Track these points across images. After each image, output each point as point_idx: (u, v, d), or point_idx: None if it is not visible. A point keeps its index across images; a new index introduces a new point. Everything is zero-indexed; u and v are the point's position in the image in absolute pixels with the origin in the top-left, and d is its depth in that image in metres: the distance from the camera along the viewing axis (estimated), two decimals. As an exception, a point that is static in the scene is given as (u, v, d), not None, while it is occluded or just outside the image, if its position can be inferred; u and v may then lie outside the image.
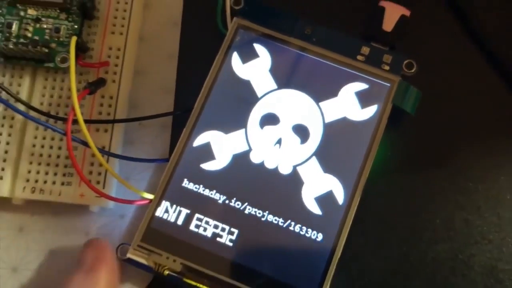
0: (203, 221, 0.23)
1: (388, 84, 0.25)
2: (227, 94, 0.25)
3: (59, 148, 0.27)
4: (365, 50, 0.26)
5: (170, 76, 0.29)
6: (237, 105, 0.25)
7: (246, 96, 0.25)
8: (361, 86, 0.25)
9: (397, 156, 0.27)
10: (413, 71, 0.26)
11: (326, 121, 0.25)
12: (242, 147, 0.24)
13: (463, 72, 0.28)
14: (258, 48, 0.26)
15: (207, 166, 0.24)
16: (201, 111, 0.25)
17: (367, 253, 0.26)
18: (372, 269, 0.26)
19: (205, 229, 0.23)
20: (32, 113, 0.26)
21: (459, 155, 0.27)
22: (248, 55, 0.26)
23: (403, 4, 0.28)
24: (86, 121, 0.25)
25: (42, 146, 0.27)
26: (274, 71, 0.25)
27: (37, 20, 0.27)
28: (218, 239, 0.23)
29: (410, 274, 0.25)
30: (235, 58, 0.26)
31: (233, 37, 0.26)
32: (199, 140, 0.25)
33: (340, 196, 0.24)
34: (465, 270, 0.25)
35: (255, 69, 0.26)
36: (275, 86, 0.25)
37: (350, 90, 0.25)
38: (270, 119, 0.25)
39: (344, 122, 0.25)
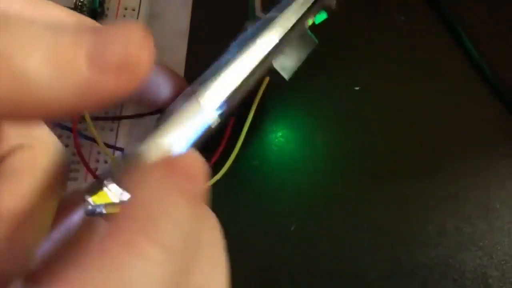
0: None
1: None
2: None
3: (67, 145, 0.27)
4: None
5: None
6: None
7: None
8: None
9: (391, 164, 0.27)
10: None
11: None
12: None
13: (454, 83, 0.29)
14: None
15: None
16: None
17: (361, 257, 0.26)
18: (365, 273, 0.26)
19: None
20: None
21: (451, 165, 0.28)
22: None
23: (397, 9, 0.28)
24: (92, 118, 0.26)
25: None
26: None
27: (49, 24, 0.28)
28: None
29: (403, 278, 0.26)
30: None
31: None
32: None
33: None
34: (456, 275, 0.26)
35: None
36: None
37: None
38: None
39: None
